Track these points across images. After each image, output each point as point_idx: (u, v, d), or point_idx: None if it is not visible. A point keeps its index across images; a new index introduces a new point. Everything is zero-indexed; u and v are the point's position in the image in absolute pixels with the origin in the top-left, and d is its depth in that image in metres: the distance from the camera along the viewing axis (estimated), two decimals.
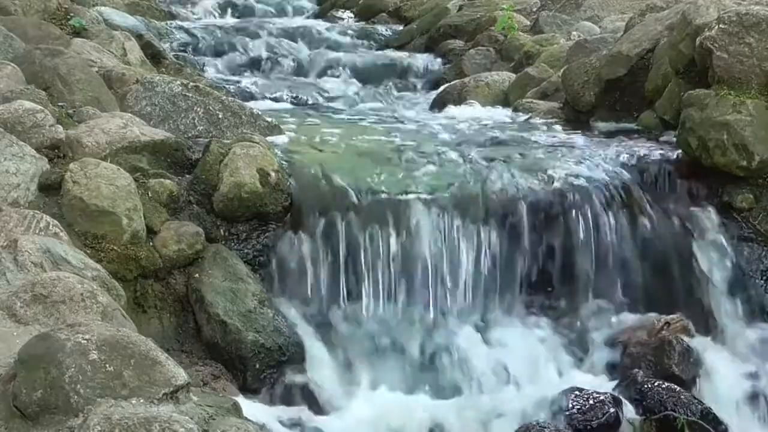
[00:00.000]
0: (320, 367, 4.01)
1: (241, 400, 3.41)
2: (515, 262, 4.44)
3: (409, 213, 4.36)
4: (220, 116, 5.11)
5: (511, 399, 3.98)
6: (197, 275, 4.08)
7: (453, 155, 4.84)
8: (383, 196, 4.41)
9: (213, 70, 7.95)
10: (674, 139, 4.91)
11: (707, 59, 4.75)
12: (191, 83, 5.36)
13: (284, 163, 4.54)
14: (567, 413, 3.75)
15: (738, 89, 4.61)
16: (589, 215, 4.50)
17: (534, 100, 6.27)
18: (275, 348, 3.94)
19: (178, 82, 5.29)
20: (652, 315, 4.37)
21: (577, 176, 4.63)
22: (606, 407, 3.77)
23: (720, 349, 4.30)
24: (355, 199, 4.37)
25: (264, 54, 8.36)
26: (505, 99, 6.68)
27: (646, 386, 3.92)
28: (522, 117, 6.02)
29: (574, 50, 6.57)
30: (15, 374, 2.75)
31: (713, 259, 4.51)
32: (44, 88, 4.82)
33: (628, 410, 3.84)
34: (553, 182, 4.59)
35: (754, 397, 4.15)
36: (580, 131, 5.45)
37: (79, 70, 5.06)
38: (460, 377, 4.12)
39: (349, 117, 6.34)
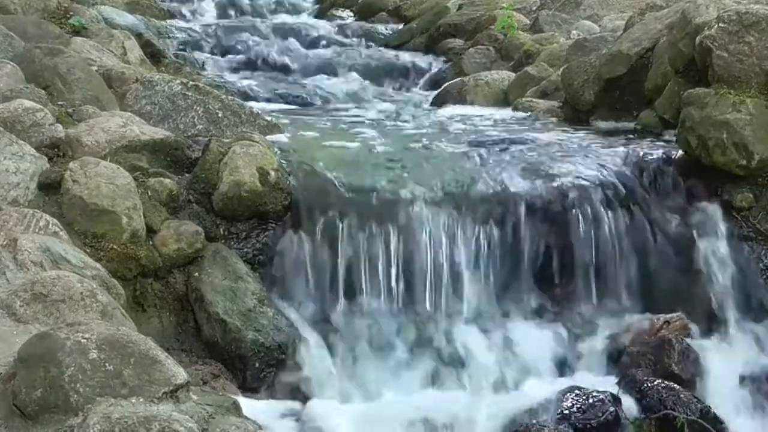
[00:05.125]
0: (320, 365, 4.01)
1: (241, 399, 3.41)
2: (515, 261, 4.44)
3: (408, 212, 4.36)
4: (220, 115, 5.11)
5: (510, 398, 3.98)
6: (197, 274, 4.08)
7: (453, 154, 4.84)
8: (383, 195, 4.41)
9: (212, 68, 7.94)
10: (674, 138, 4.90)
11: (707, 58, 4.75)
12: (191, 82, 5.36)
13: (284, 162, 4.53)
14: (566, 412, 3.75)
15: (738, 88, 4.61)
16: (589, 214, 4.50)
17: (534, 99, 6.28)
18: (275, 347, 3.94)
19: (178, 81, 5.29)
20: (652, 314, 4.37)
21: (576, 175, 4.63)
22: (606, 406, 3.77)
23: (720, 347, 4.30)
24: (354, 198, 4.37)
25: (263, 53, 8.35)
26: (504, 98, 6.69)
27: (645, 385, 3.92)
28: (522, 116, 6.02)
29: (573, 49, 6.57)
30: (14, 373, 2.75)
31: (713, 258, 4.51)
32: (44, 86, 4.82)
33: (628, 409, 3.84)
34: (553, 181, 4.59)
35: (753, 396, 4.15)
36: (579, 130, 5.46)
37: (78, 69, 5.06)
38: (460, 376, 4.12)
39: (348, 116, 6.34)
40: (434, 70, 8.23)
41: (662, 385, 3.91)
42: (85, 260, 3.62)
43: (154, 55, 7.11)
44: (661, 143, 5.03)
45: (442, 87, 7.32)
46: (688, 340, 4.20)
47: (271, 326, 3.97)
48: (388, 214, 4.34)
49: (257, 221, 4.32)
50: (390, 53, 8.68)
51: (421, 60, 8.39)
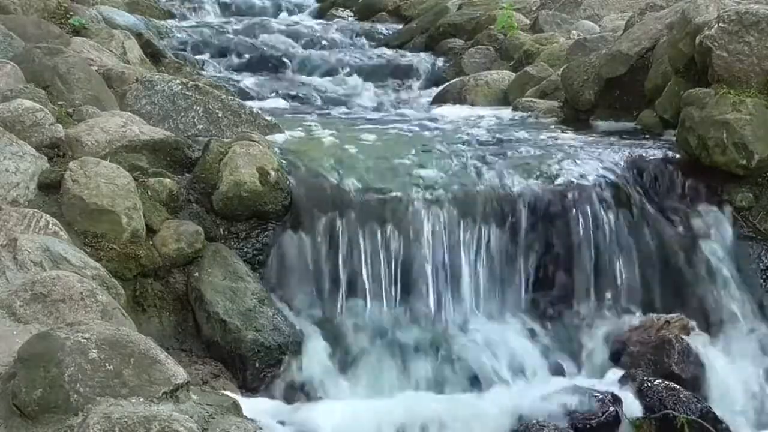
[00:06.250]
0: (320, 365, 4.01)
1: (241, 399, 3.41)
2: (515, 261, 4.44)
3: (408, 212, 4.36)
4: (220, 115, 5.11)
5: (510, 397, 3.97)
6: (197, 274, 4.08)
7: (453, 154, 4.84)
8: (383, 194, 4.42)
9: (212, 68, 7.94)
10: (674, 138, 4.91)
11: (707, 58, 4.75)
12: (191, 82, 5.36)
13: (284, 161, 4.54)
14: (567, 412, 3.75)
15: (738, 88, 4.61)
16: (589, 214, 4.50)
17: (533, 99, 6.27)
18: (275, 347, 3.93)
19: (178, 81, 5.29)
20: (652, 314, 4.37)
21: (576, 175, 4.63)
22: (606, 406, 3.76)
23: (720, 347, 4.30)
24: (354, 198, 4.37)
25: (263, 53, 8.36)
26: (504, 98, 6.69)
27: (645, 385, 3.92)
28: (521, 116, 6.02)
29: (573, 49, 6.58)
30: (14, 373, 2.75)
31: (713, 258, 4.51)
32: (44, 86, 4.82)
33: (628, 409, 3.84)
34: (552, 181, 4.59)
35: (754, 396, 4.15)
36: (579, 130, 5.46)
37: (78, 68, 5.06)
38: (459, 375, 4.11)
39: (348, 116, 6.34)
40: (434, 69, 8.23)
41: (662, 385, 3.91)
42: (85, 260, 3.62)
43: (154, 55, 7.10)
44: (661, 143, 5.03)
45: (442, 87, 7.33)
46: (688, 340, 4.20)
47: (271, 326, 3.97)
48: (388, 214, 4.34)
49: (257, 221, 4.32)
50: (390, 53, 8.68)
51: (421, 60, 8.39)
